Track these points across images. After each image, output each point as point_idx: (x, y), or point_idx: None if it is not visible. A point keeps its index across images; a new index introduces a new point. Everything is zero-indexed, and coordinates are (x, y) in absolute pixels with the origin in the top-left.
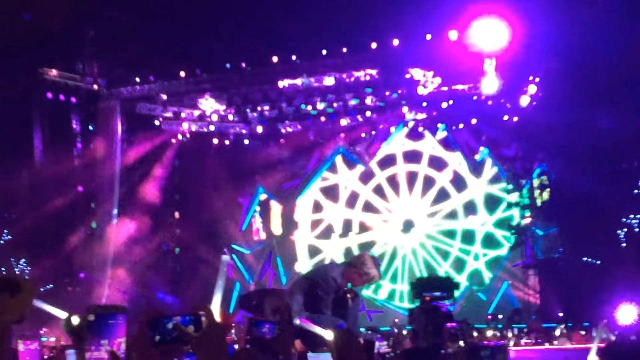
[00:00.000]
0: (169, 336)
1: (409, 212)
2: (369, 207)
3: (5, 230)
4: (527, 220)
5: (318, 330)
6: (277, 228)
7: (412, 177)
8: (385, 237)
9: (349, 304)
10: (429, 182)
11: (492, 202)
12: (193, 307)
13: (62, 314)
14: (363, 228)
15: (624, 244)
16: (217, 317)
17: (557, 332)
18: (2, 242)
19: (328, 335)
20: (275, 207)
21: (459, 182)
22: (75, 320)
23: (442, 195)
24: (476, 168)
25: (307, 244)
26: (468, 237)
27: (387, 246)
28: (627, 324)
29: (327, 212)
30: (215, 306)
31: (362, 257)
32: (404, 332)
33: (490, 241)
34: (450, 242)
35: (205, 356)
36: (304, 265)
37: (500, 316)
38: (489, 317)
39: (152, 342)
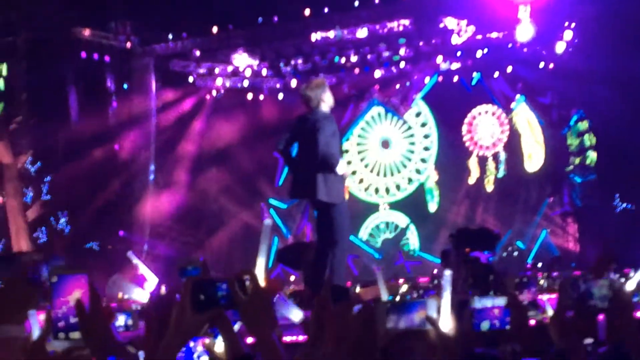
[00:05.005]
0: (215, 301)
1: None
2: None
3: (44, 191)
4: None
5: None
6: None
7: None
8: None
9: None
10: None
11: None
12: (237, 272)
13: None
14: None
15: None
16: (262, 282)
17: None
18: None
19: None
20: None
21: None
22: None
23: None
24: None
25: None
26: None
27: None
28: None
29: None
30: (259, 271)
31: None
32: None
33: None
34: None
35: (252, 322)
36: None
37: (539, 265)
38: (529, 265)
39: (195, 304)
